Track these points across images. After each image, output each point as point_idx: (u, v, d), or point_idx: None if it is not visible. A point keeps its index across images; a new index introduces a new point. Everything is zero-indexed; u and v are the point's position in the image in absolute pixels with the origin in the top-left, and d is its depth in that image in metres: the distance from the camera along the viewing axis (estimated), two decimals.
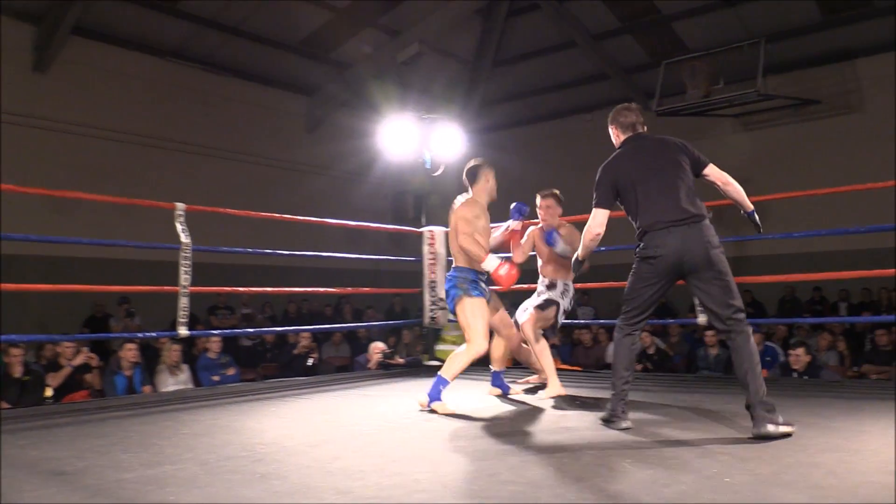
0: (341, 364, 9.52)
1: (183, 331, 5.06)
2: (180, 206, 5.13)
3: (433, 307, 6.65)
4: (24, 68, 10.27)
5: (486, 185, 4.48)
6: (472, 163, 4.55)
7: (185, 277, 5.05)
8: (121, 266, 9.80)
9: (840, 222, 7.55)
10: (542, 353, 4.80)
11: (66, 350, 6.76)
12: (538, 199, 4.95)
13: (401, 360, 7.08)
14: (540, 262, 5.02)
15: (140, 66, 11.55)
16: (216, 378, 7.26)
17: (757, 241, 9.32)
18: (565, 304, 4.81)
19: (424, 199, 7.52)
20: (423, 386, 5.31)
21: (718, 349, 7.60)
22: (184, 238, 5.08)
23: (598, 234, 3.57)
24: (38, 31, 10.33)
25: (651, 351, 7.86)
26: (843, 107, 12.05)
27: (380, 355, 7.01)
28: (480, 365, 4.66)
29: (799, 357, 6.33)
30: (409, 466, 2.82)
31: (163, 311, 8.25)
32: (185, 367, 7.09)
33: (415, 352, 7.77)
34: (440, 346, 7.10)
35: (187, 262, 5.06)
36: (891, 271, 5.19)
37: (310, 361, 8.25)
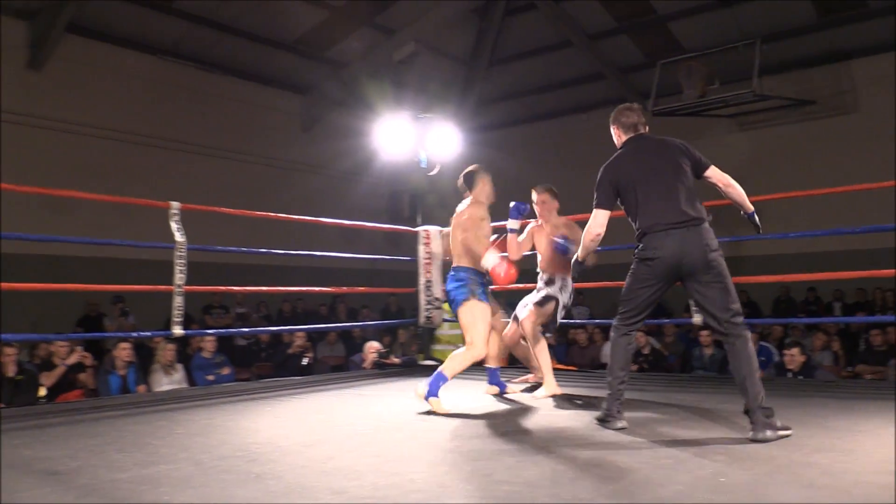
0: (336, 364, 9.51)
1: (177, 330, 5.04)
2: (175, 204, 5.12)
3: (428, 307, 6.65)
4: (19, 66, 10.23)
5: (484, 189, 4.55)
6: (468, 169, 4.61)
7: (179, 276, 5.03)
8: (115, 265, 9.76)
9: (835, 223, 7.57)
10: (541, 352, 4.80)
11: (59, 349, 6.73)
12: (534, 195, 4.97)
13: (396, 360, 7.07)
14: (539, 259, 5.03)
15: (135, 64, 11.51)
16: (211, 377, 7.24)
17: (752, 242, 9.35)
18: (564, 299, 4.81)
19: (420, 199, 7.52)
20: (417, 386, 5.31)
21: (713, 349, 7.61)
22: (178, 237, 5.06)
23: (599, 235, 3.56)
24: (33, 29, 10.29)
25: (646, 351, 7.86)
26: (839, 107, 12.08)
27: (375, 355, 7.00)
28: (476, 364, 4.65)
29: (794, 357, 6.34)
30: (405, 466, 2.82)
31: (157, 310, 8.22)
32: (179, 366, 7.06)
33: (410, 351, 7.76)
34: (436, 346, 7.10)
35: (182, 261, 5.05)
36: (885, 272, 5.21)
37: (304, 361, 8.23)
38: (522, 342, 5.00)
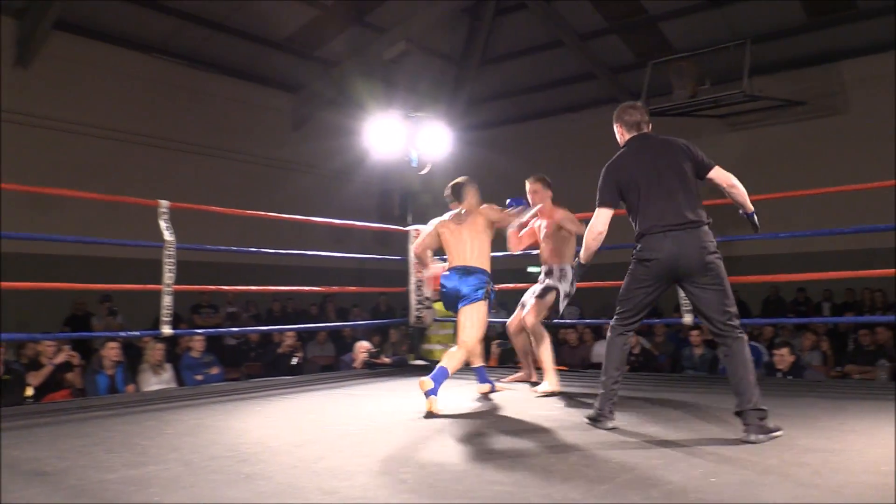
0: (326, 363, 9.48)
1: (166, 329, 5.02)
2: (164, 203, 5.08)
3: (419, 306, 6.64)
4: (7, 63, 10.15)
5: (471, 202, 4.65)
6: (458, 180, 4.71)
7: (168, 276, 5.00)
8: (103, 264, 9.71)
9: (825, 223, 7.61)
10: (544, 349, 4.83)
11: (47, 349, 6.68)
12: (526, 185, 5.05)
13: (387, 360, 7.05)
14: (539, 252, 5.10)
15: (123, 61, 11.44)
16: (200, 377, 7.20)
17: (742, 242, 9.38)
18: (565, 287, 4.82)
19: (411, 198, 7.50)
20: (409, 385, 5.30)
21: (703, 349, 7.64)
22: (167, 236, 5.03)
23: (601, 234, 3.54)
24: (21, 26, 10.21)
25: (636, 350, 7.87)
26: (829, 108, 12.15)
27: (365, 354, 6.98)
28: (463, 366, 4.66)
29: (783, 357, 6.37)
30: (396, 466, 2.81)
31: (146, 309, 8.18)
32: (168, 366, 7.02)
33: (401, 351, 7.74)
34: (426, 346, 7.09)
35: (171, 261, 5.02)
36: (874, 272, 5.24)
37: (294, 360, 8.21)
38: (524, 332, 5.04)
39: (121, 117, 11.31)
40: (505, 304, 6.95)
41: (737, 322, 3.27)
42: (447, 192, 4.71)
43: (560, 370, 5.68)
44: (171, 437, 3.43)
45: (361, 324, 10.20)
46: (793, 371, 6.33)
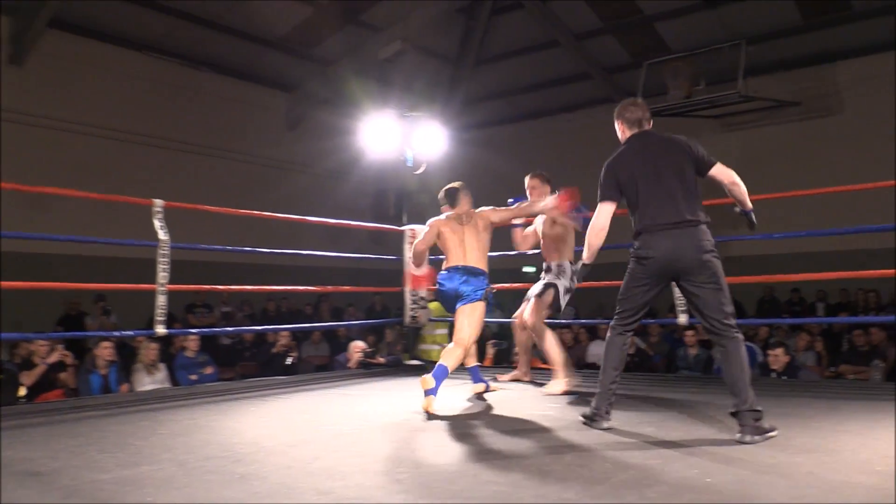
0: (321, 363, 9.46)
1: (160, 329, 5.00)
2: (158, 202, 5.06)
3: (414, 306, 6.63)
4: (1, 61, 10.09)
5: (465, 208, 4.71)
6: (452, 185, 4.76)
7: (162, 275, 4.98)
8: (97, 263, 9.67)
9: (820, 224, 7.62)
10: (550, 348, 4.84)
11: (40, 348, 6.65)
12: (526, 181, 5.07)
13: (381, 360, 7.04)
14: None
15: (118, 60, 11.41)
16: (194, 377, 7.18)
17: (737, 243, 9.39)
18: (564, 283, 4.83)
19: (406, 198, 7.49)
20: (404, 385, 5.30)
21: (698, 349, 7.64)
22: (162, 235, 5.01)
23: (603, 230, 3.52)
24: (15, 23, 10.17)
25: (631, 350, 7.87)
26: (823, 109, 12.18)
27: (360, 354, 6.96)
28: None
29: (778, 357, 6.37)
30: (391, 466, 2.80)
31: (140, 309, 8.14)
32: (162, 366, 7.00)
33: (395, 351, 7.73)
34: (422, 346, 7.08)
35: (165, 260, 5.00)
36: (870, 273, 5.25)
37: (289, 360, 8.19)
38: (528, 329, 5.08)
39: (115, 116, 11.27)
40: (500, 304, 6.94)
41: (733, 322, 3.27)
42: (441, 196, 4.76)
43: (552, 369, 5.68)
44: (165, 437, 3.42)
45: (356, 323, 10.18)
46: (787, 371, 6.34)
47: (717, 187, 3.59)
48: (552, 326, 5.03)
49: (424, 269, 4.86)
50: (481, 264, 4.55)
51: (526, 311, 4.95)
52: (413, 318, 6.67)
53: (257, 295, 11.88)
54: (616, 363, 3.48)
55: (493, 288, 4.62)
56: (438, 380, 4.03)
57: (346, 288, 11.29)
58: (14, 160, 9.72)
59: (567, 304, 4.94)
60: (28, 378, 6.37)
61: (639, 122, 3.59)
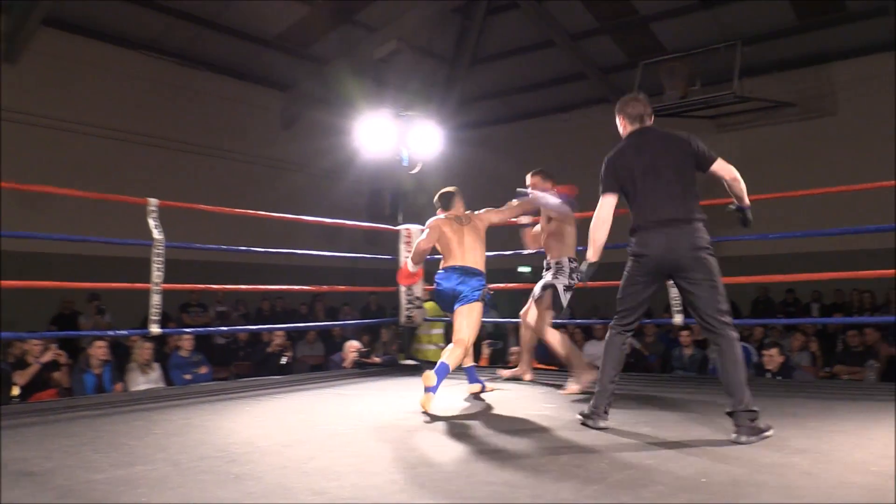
0: (316, 363, 9.45)
1: (155, 329, 4.98)
2: (153, 201, 5.05)
3: (409, 306, 6.62)
4: None
5: (459, 212, 4.78)
6: (447, 189, 4.84)
7: (157, 274, 4.97)
8: (91, 262, 9.63)
9: (816, 224, 7.63)
10: (562, 350, 4.84)
11: (33, 347, 6.62)
12: (527, 179, 5.07)
13: (376, 359, 7.03)
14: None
15: (112, 58, 11.38)
16: (188, 377, 7.16)
17: (732, 243, 9.41)
18: (563, 281, 4.80)
19: (401, 197, 7.48)
20: (399, 385, 5.30)
21: (693, 349, 7.65)
22: (156, 234, 5.00)
23: (605, 222, 3.51)
24: (8, 21, 10.12)
25: (627, 351, 7.88)
26: (818, 110, 12.22)
27: (355, 354, 6.95)
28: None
29: (772, 357, 6.39)
30: (386, 466, 2.80)
31: (134, 308, 8.13)
32: (156, 365, 6.98)
33: (391, 351, 7.72)
34: (417, 346, 7.07)
35: (160, 259, 4.98)
36: (863, 273, 5.26)
37: (284, 360, 8.17)
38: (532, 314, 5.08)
39: (109, 115, 11.24)
40: (495, 305, 6.94)
41: (729, 319, 3.27)
42: (436, 200, 4.82)
43: (549, 370, 5.69)
44: (160, 437, 3.41)
45: (351, 323, 10.17)
46: (782, 371, 6.35)
47: (713, 188, 3.59)
48: (555, 326, 5.02)
49: (418, 268, 4.88)
50: (479, 265, 4.58)
51: (530, 316, 4.94)
52: (408, 317, 6.66)
53: (252, 294, 11.86)
54: (615, 362, 3.49)
55: (491, 290, 4.62)
56: (440, 377, 4.04)
57: (342, 288, 11.29)
58: (8, 159, 9.68)
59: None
60: (21, 377, 6.34)
61: (640, 118, 3.59)
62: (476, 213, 4.82)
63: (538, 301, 4.85)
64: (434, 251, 4.78)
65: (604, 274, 3.61)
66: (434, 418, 3.85)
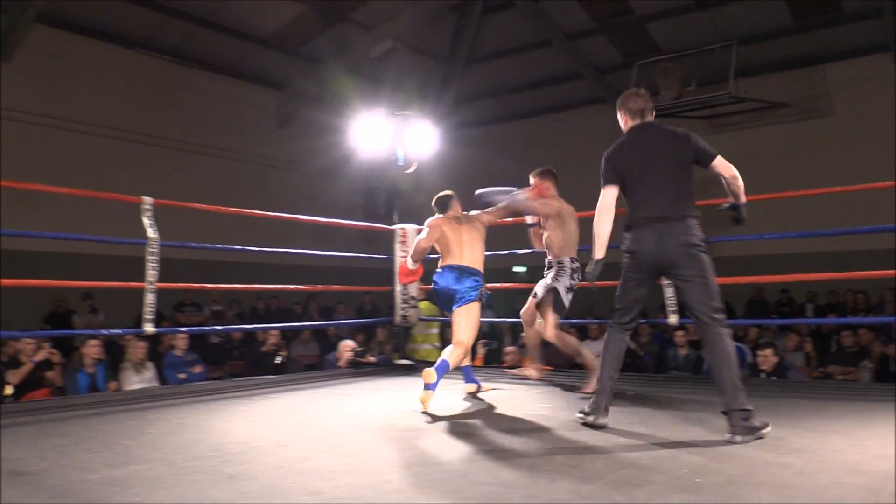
0: (310, 362, 9.43)
1: (149, 328, 4.96)
2: (147, 200, 5.04)
3: (404, 305, 6.61)
4: None
5: (455, 212, 4.82)
6: (444, 193, 4.89)
7: (151, 273, 4.95)
8: (85, 261, 9.60)
9: (810, 225, 7.64)
10: (578, 352, 4.85)
11: (26, 346, 6.59)
12: (530, 179, 5.08)
13: (371, 359, 7.02)
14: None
15: (107, 56, 11.33)
16: (182, 376, 7.15)
17: (726, 243, 9.42)
18: (564, 282, 4.76)
19: (396, 197, 7.47)
20: (393, 385, 5.30)
21: (688, 349, 7.66)
22: (151, 233, 4.98)
23: (608, 213, 3.48)
24: (2, 19, 10.07)
25: None
26: (813, 110, 12.23)
27: (350, 353, 6.94)
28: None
29: (767, 357, 6.39)
30: (381, 466, 2.79)
31: (128, 307, 8.10)
32: (150, 364, 6.97)
33: (386, 350, 7.72)
34: (412, 345, 7.06)
35: (154, 258, 4.97)
36: (857, 274, 5.27)
37: (278, 359, 8.15)
38: (535, 326, 5.08)
39: (103, 113, 11.20)
40: (491, 305, 6.91)
41: (721, 317, 3.27)
42: (433, 204, 4.85)
43: (546, 370, 5.69)
44: (154, 437, 3.40)
45: (346, 322, 10.16)
46: (776, 372, 6.36)
47: (707, 188, 3.60)
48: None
49: (418, 266, 4.89)
50: (477, 264, 4.59)
51: (539, 324, 4.95)
52: (403, 317, 6.66)
53: (247, 293, 11.83)
54: (615, 360, 3.50)
55: (488, 290, 4.63)
56: (439, 374, 4.06)
57: (337, 287, 11.25)
58: (1, 157, 9.64)
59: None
60: (14, 377, 6.32)
61: (641, 113, 3.60)
62: (473, 213, 4.84)
63: (541, 306, 4.83)
64: (433, 250, 4.78)
65: (603, 273, 3.60)
66: (433, 418, 3.84)
